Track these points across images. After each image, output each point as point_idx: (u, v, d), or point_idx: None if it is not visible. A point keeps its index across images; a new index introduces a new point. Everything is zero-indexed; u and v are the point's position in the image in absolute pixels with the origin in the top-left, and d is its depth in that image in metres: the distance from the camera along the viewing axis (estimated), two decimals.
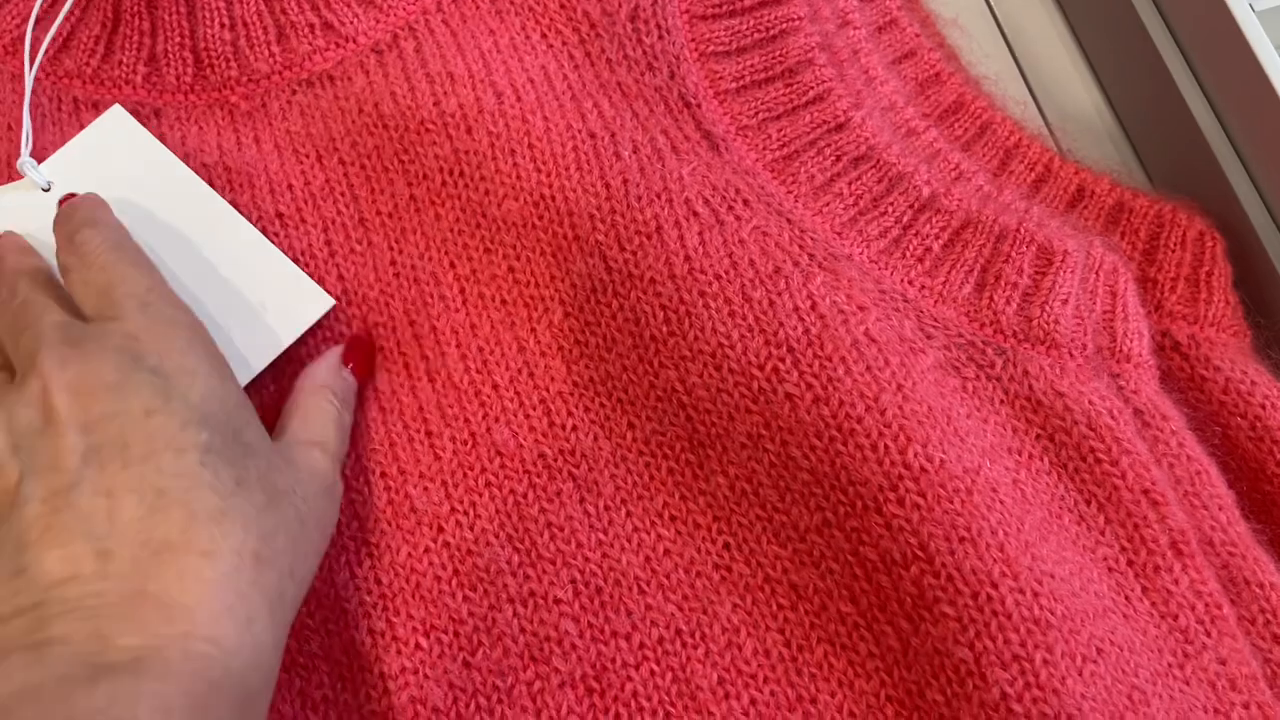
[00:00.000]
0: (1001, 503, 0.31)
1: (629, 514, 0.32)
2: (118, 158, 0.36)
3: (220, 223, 0.35)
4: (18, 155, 0.36)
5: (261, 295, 0.34)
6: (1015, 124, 0.40)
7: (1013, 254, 0.35)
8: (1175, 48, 0.40)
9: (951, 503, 0.30)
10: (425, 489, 0.32)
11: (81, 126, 0.37)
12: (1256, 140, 0.38)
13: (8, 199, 0.35)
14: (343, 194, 0.36)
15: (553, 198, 0.35)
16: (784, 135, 0.37)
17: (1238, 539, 0.33)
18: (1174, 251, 0.38)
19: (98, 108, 0.38)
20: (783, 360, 0.32)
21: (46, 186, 0.35)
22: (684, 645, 0.31)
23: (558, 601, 0.31)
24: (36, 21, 0.39)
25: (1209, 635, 0.31)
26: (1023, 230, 0.35)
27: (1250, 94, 0.37)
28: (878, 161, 0.37)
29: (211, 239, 0.35)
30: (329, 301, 0.34)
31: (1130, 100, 0.43)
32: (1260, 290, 0.38)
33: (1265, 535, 0.33)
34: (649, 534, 0.32)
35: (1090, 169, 0.40)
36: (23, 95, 0.37)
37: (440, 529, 0.32)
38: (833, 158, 0.36)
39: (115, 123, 0.36)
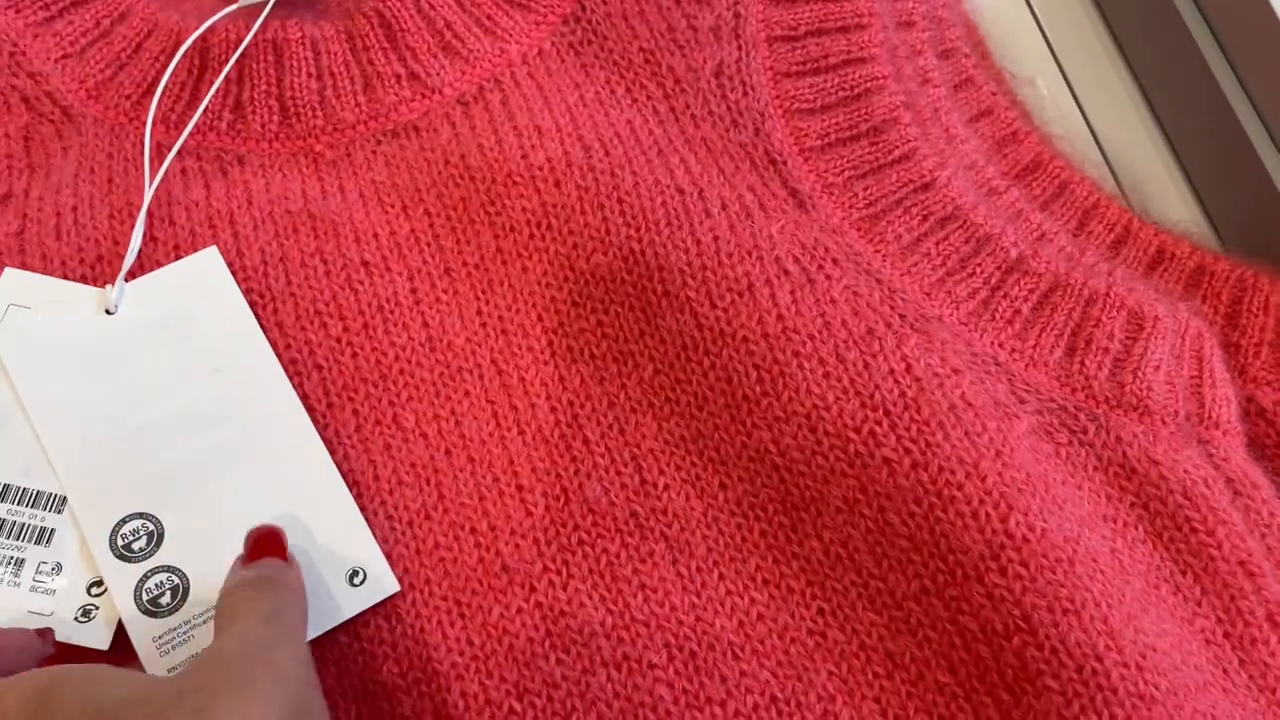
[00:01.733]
0: (1102, 573, 0.30)
1: (721, 576, 0.32)
2: (199, 309, 0.34)
3: (287, 423, 0.33)
4: (125, 209, 0.35)
5: (318, 550, 0.31)
6: (1093, 183, 0.40)
7: (1103, 318, 0.35)
8: (1253, 111, 0.40)
9: (1054, 573, 0.30)
10: (517, 546, 0.32)
11: (165, 172, 0.37)
12: None
13: (68, 311, 0.33)
14: (428, 244, 0.36)
15: (642, 253, 0.35)
16: (870, 194, 0.37)
17: None
18: (1257, 316, 0.38)
19: (181, 154, 0.37)
20: (879, 424, 0.32)
21: (112, 309, 0.34)
22: (779, 713, 0.30)
23: (652, 666, 0.31)
24: (120, 68, 0.39)
25: None
26: (1113, 294, 0.35)
27: None
28: (964, 222, 0.36)
29: (275, 442, 0.33)
30: (394, 586, 0.31)
31: (1203, 163, 0.43)
32: None
33: None
34: (742, 597, 0.32)
35: (1169, 231, 0.40)
36: (121, 146, 0.37)
37: (533, 589, 0.32)
38: (919, 217, 0.36)
39: (209, 266, 0.35)
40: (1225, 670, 0.31)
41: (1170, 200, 0.43)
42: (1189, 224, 0.42)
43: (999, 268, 0.36)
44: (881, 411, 0.32)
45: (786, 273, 0.34)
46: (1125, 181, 0.44)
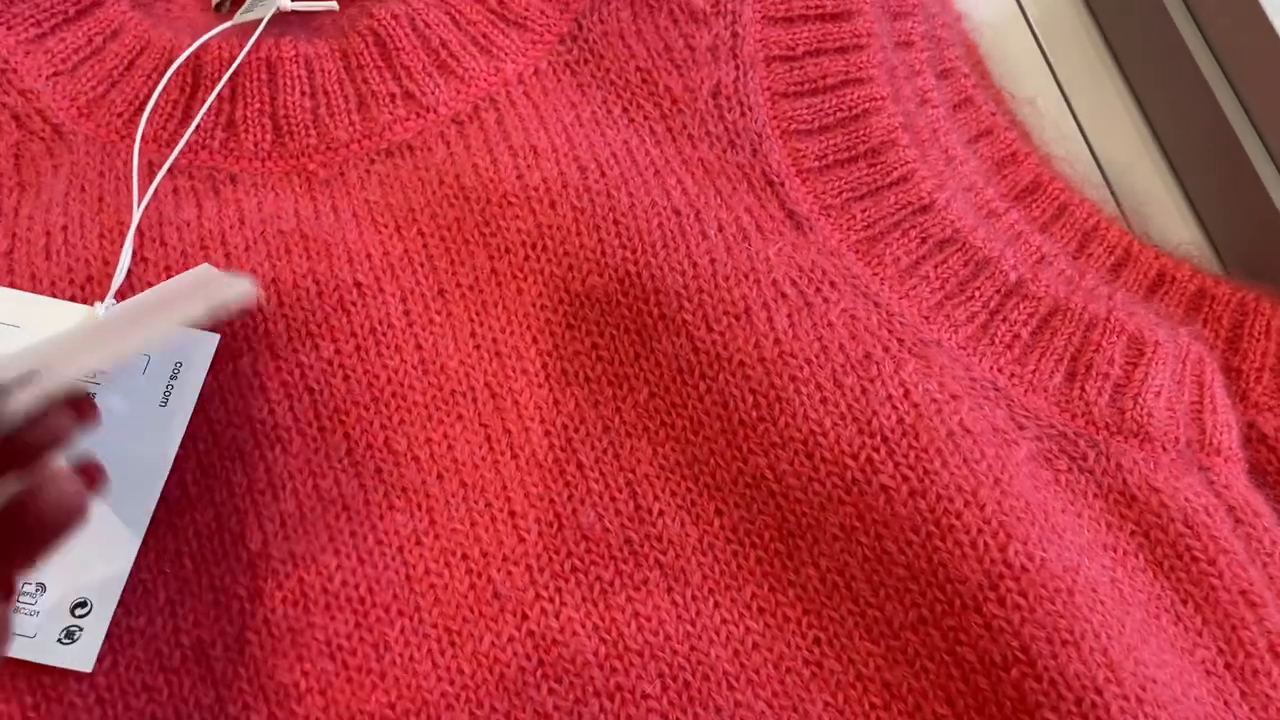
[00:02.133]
0: (1102, 603, 0.30)
1: (717, 605, 0.32)
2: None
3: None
4: (116, 228, 0.35)
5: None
6: (1093, 205, 0.40)
7: (1103, 343, 0.35)
8: (1254, 132, 0.40)
9: (1053, 603, 0.29)
10: (509, 573, 0.32)
11: (155, 191, 0.37)
12: None
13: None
14: (421, 265, 0.36)
15: (638, 275, 0.34)
16: (869, 216, 0.36)
17: None
18: (1258, 341, 0.37)
19: (173, 172, 0.37)
20: (877, 450, 0.31)
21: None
22: None
23: (645, 696, 0.30)
24: (112, 86, 0.38)
25: None
26: (1113, 319, 0.35)
27: None
28: (963, 244, 0.36)
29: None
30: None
31: (1204, 184, 0.43)
32: None
33: None
34: (738, 626, 0.31)
35: (1169, 254, 0.40)
36: (113, 164, 0.37)
37: (525, 617, 0.31)
38: (918, 240, 0.36)
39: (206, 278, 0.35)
40: (1226, 702, 0.31)
41: (1171, 221, 0.43)
42: (1190, 246, 0.42)
43: (998, 291, 0.36)
44: (879, 438, 0.31)
45: (784, 296, 0.34)
46: (1125, 203, 0.43)
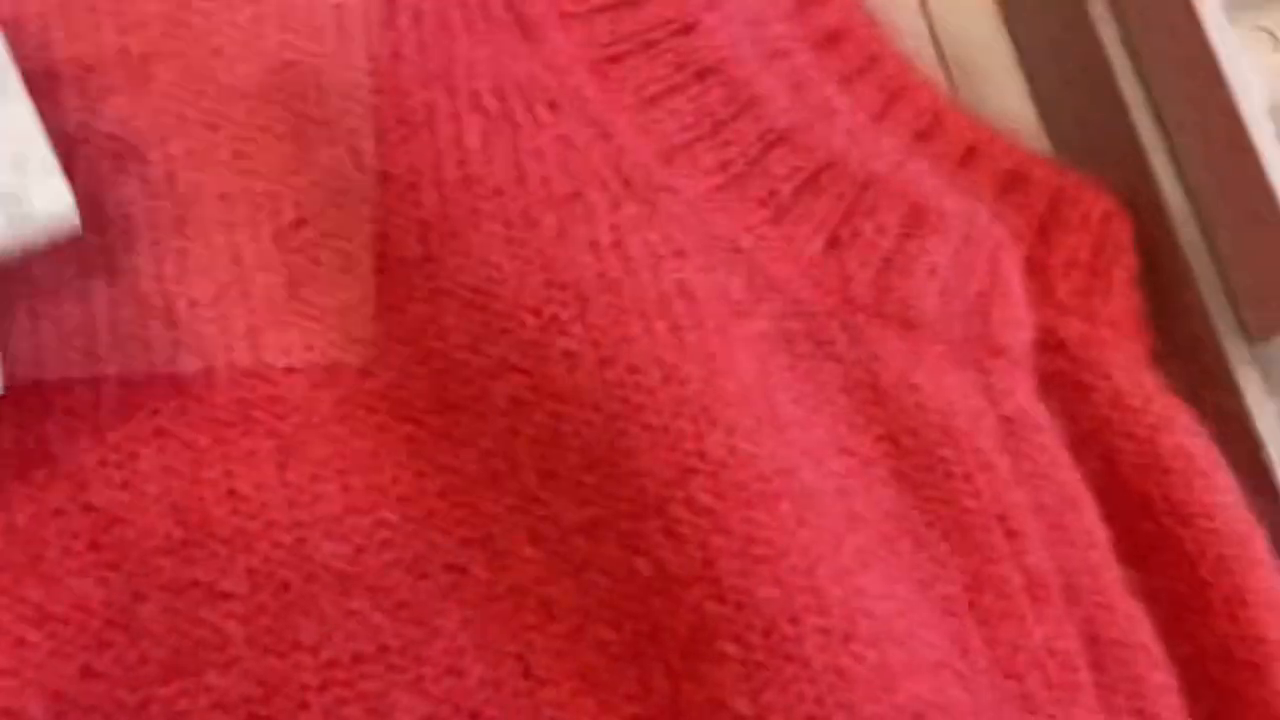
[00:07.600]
0: (820, 516, 0.24)
1: (345, 487, 0.25)
2: None
3: None
4: None
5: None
6: (906, 62, 0.34)
7: (877, 208, 0.28)
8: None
9: (753, 509, 0.23)
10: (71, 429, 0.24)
11: None
12: (1187, 116, 0.32)
13: None
14: None
15: (299, 67, 0.27)
16: (616, 30, 0.29)
17: (1107, 587, 0.26)
18: (1072, 233, 0.31)
19: None
20: (565, 306, 0.25)
21: None
22: (388, 667, 0.23)
23: (226, 596, 0.23)
24: None
25: (1058, 704, 0.25)
26: (894, 182, 0.29)
27: (1187, 66, 0.31)
28: (728, 78, 0.29)
29: None
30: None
31: (1039, 51, 0.36)
32: (1166, 289, 0.32)
33: (1139, 585, 0.27)
34: (365, 517, 0.24)
35: (988, 125, 0.33)
36: None
37: (84, 485, 0.24)
38: (672, 65, 0.29)
39: None
40: (965, 650, 0.25)
41: (1001, 89, 0.36)
42: (1018, 119, 0.36)
43: (761, 138, 0.29)
44: (571, 292, 0.25)
45: (483, 109, 0.26)
46: (950, 55, 0.37)
